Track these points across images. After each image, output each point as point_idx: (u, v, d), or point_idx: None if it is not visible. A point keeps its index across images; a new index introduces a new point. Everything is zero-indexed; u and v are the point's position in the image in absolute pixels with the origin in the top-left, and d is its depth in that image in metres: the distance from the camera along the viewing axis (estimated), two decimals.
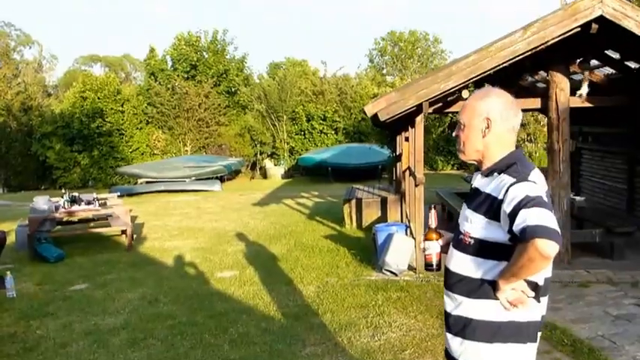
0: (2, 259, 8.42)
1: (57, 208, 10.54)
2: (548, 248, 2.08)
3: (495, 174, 2.40)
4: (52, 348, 5.61)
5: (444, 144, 27.49)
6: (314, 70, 33.81)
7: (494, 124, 2.44)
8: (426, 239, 2.77)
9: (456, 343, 2.48)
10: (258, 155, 29.35)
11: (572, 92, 7.93)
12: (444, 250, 2.72)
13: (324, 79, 30.84)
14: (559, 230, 2.13)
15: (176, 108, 28.44)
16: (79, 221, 11.80)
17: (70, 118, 28.32)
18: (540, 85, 10.46)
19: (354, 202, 11.63)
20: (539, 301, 2.38)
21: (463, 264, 2.46)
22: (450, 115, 24.08)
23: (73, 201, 10.71)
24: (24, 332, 6.02)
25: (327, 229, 11.46)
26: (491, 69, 7.20)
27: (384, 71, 36.72)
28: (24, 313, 6.56)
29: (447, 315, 2.54)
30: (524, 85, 11.00)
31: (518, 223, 2.15)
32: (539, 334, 2.46)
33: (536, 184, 2.28)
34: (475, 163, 2.58)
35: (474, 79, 7.49)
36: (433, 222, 2.81)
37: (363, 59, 73.06)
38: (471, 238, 2.42)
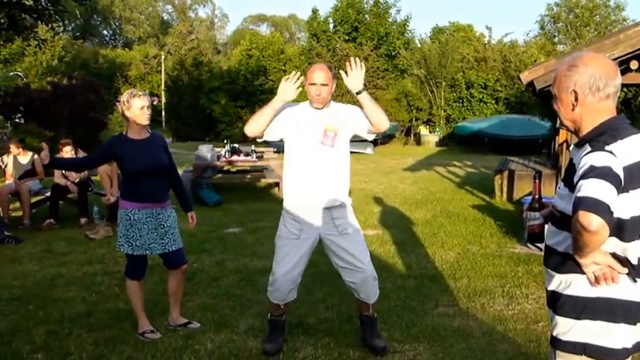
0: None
1: (218, 158, 11.33)
2: (587, 220, 1.95)
3: (586, 145, 2.20)
4: (205, 280, 6.15)
5: None
6: (478, 35, 32.76)
7: (582, 96, 2.24)
8: (529, 209, 2.69)
9: (551, 318, 2.43)
10: (414, 121, 29.20)
11: None
12: (547, 221, 2.57)
13: (488, 46, 29.76)
14: (609, 204, 1.97)
15: (336, 69, 28.95)
16: (238, 171, 12.59)
17: (235, 75, 29.85)
18: None
19: (506, 173, 11.34)
20: (635, 281, 2.22)
21: (552, 237, 2.39)
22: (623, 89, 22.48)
23: (233, 152, 11.46)
24: None
25: (475, 199, 11.31)
26: None
27: (556, 40, 34.56)
28: (183, 248, 7.17)
29: (545, 290, 2.49)
30: None
31: (575, 195, 2.05)
32: None
33: (611, 155, 2.09)
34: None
35: None
36: (536, 192, 2.74)
37: (533, 26, 69.88)
38: (557, 211, 2.36)
